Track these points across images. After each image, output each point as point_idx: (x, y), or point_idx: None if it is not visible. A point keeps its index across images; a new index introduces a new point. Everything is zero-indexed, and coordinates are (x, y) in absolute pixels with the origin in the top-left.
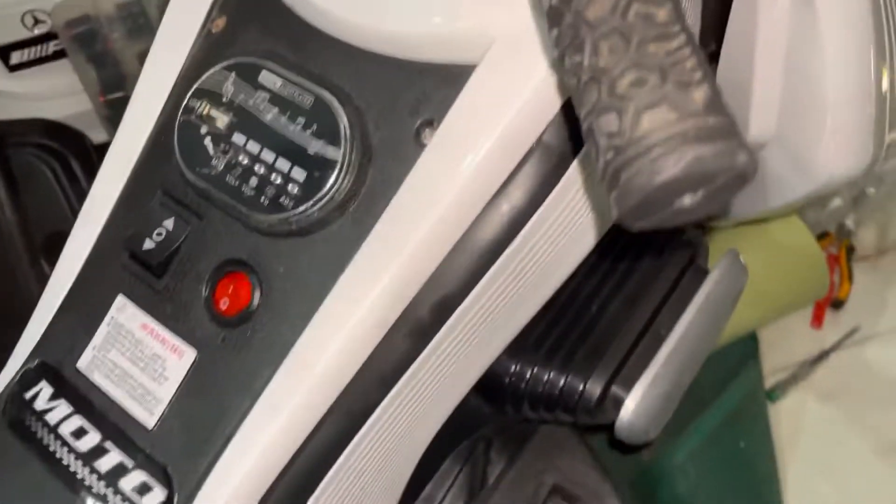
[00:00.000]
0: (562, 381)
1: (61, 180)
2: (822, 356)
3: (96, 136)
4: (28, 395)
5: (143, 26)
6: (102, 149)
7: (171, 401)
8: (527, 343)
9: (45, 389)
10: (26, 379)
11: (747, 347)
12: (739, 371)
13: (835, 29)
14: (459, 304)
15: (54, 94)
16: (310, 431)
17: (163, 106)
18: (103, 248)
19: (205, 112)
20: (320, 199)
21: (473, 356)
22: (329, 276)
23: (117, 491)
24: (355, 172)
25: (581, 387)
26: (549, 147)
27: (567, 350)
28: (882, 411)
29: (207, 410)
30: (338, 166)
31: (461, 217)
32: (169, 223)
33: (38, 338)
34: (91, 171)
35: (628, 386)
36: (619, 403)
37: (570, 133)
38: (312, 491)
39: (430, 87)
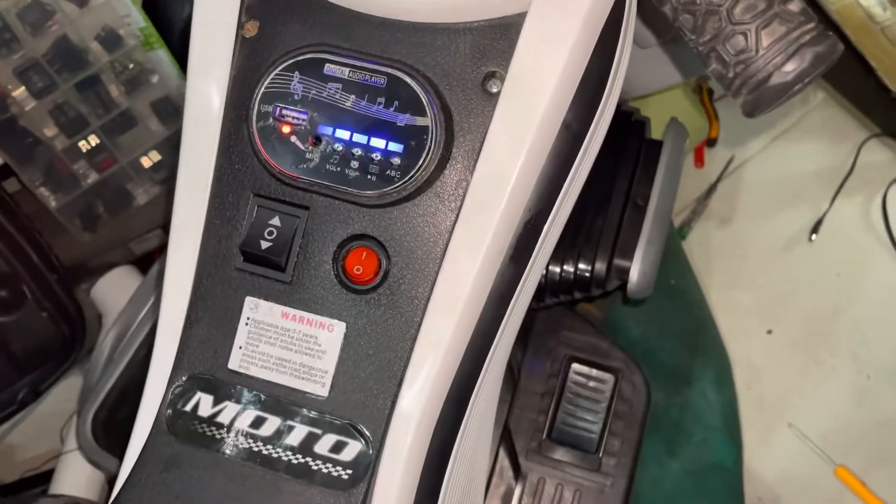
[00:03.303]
0: (574, 269)
1: None
2: (712, 189)
3: None
4: (188, 407)
5: (10, 41)
6: None
7: (335, 369)
8: None
9: (203, 398)
10: (179, 395)
11: None
12: None
13: None
14: (546, 219)
15: None
16: (462, 356)
17: (222, 119)
18: (209, 261)
19: (280, 114)
20: (422, 164)
21: (545, 261)
22: (445, 225)
23: (316, 456)
24: (444, 133)
25: (590, 268)
26: (591, 73)
27: (569, 242)
28: (770, 219)
29: (373, 365)
30: (430, 131)
31: (543, 147)
32: (276, 221)
33: (173, 357)
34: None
35: (628, 255)
36: (624, 272)
37: (606, 53)
38: (467, 403)
39: (485, 43)
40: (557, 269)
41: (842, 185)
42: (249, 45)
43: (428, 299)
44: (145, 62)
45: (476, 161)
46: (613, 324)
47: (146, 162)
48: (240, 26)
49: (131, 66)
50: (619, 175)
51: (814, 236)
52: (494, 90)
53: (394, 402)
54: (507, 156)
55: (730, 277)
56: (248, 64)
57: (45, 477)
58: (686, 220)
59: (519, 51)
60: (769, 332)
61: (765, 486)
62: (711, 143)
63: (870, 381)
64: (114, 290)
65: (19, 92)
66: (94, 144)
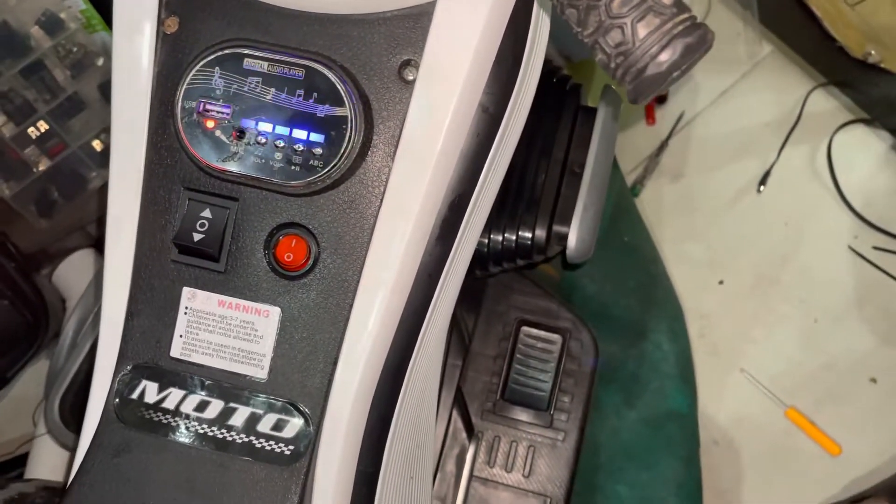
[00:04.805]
0: (514, 237)
1: None
2: (663, 146)
3: None
4: (135, 395)
5: None
6: None
7: (273, 352)
8: None
9: (148, 385)
10: (125, 384)
11: None
12: None
13: None
14: (470, 198)
15: None
16: (394, 335)
17: (149, 115)
18: (146, 254)
19: (204, 109)
20: (343, 152)
21: (474, 239)
22: (370, 210)
23: (259, 435)
24: (363, 122)
25: (531, 235)
26: (504, 55)
27: (509, 212)
28: (720, 172)
29: (309, 347)
30: (349, 121)
31: (461, 130)
32: (207, 213)
33: (117, 348)
34: None
35: (567, 221)
36: (563, 237)
37: (518, 36)
38: (404, 376)
39: (399, 32)
40: (499, 238)
41: (789, 136)
42: (171, 42)
43: (358, 282)
44: (89, 45)
45: (396, 147)
46: (569, 283)
47: (98, 145)
48: (160, 22)
49: (75, 49)
50: (555, 143)
51: (762, 187)
52: (410, 78)
53: (330, 381)
54: (426, 141)
55: (682, 231)
56: (171, 60)
57: (21, 460)
58: (639, 178)
59: (431, 38)
60: (721, 282)
61: (719, 430)
62: (661, 99)
63: (817, 324)
64: (75, 273)
65: None
66: (43, 130)
